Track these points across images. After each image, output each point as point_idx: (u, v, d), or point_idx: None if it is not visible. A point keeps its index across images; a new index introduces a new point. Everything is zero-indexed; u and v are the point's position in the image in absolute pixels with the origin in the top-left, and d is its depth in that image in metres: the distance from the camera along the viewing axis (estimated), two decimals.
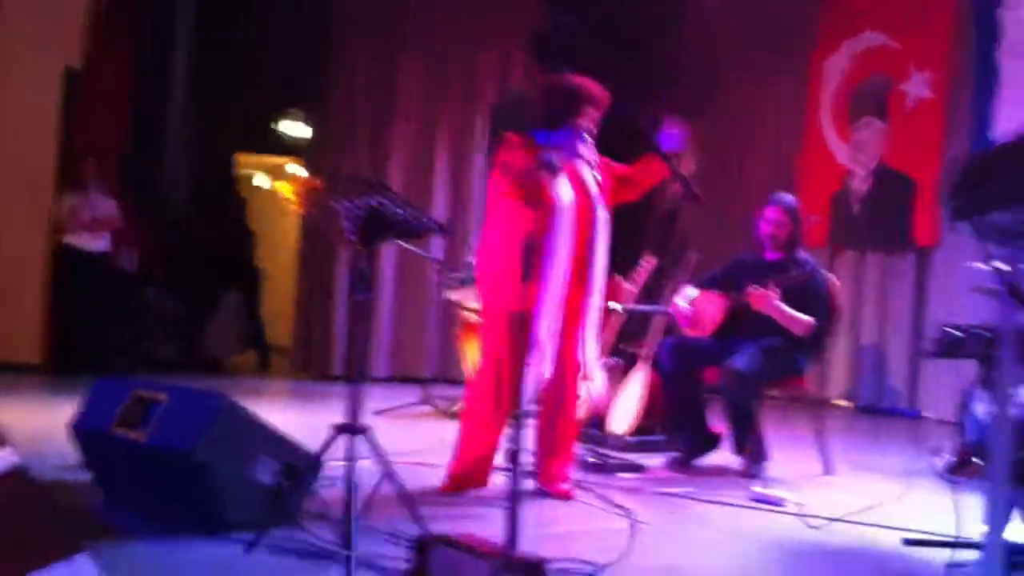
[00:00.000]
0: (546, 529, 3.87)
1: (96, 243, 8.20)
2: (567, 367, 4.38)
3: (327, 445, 3.40)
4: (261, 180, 10.01)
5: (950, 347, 5.13)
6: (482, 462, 4.32)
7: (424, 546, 2.78)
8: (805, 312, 5.05)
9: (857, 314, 8.58)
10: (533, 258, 4.16)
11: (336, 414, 6.46)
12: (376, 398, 7.48)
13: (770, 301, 4.99)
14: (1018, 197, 1.87)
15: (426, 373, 8.89)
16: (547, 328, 4.18)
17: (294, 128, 10.72)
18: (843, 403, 8.67)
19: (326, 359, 9.08)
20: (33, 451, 4.60)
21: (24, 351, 8.07)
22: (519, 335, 4.26)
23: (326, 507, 3.65)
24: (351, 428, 3.26)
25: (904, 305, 8.28)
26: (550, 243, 4.17)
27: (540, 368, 4.17)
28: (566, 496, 4.37)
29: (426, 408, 7.20)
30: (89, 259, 8.16)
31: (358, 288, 3.19)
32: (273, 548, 3.21)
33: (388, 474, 3.36)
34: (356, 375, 3.42)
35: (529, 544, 3.60)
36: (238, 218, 10.16)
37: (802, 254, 5.26)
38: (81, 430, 3.81)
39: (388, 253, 8.91)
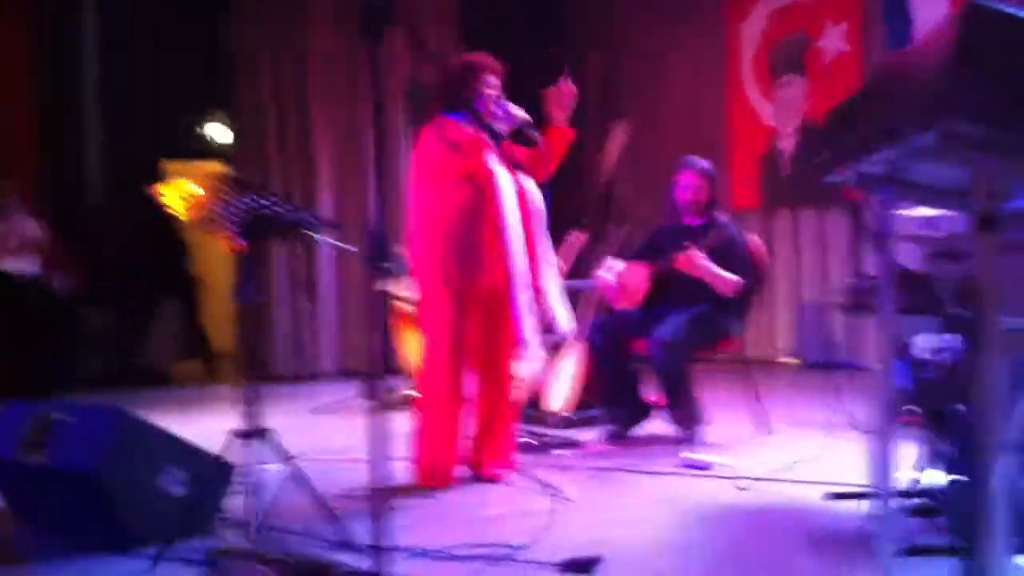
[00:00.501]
0: (470, 513, 3.84)
1: (26, 266, 8.05)
2: (502, 347, 4.34)
3: (226, 450, 3.34)
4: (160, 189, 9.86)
5: (857, 299, 5.13)
6: (446, 452, 4.23)
7: (214, 558, 2.78)
8: (731, 271, 5.04)
9: (797, 272, 8.61)
10: (483, 234, 4.14)
11: (279, 415, 6.43)
12: (323, 395, 7.45)
13: (697, 262, 4.97)
14: (875, 141, 1.83)
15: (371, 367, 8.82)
16: (526, 301, 4.19)
17: (217, 131, 10.58)
18: (790, 360, 8.69)
19: (271, 361, 9.01)
20: None
21: None
22: (480, 314, 4.23)
23: (241, 514, 3.59)
24: (250, 432, 3.19)
25: (841, 259, 8.31)
26: (500, 215, 4.16)
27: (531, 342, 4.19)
28: (495, 479, 4.34)
29: (368, 401, 7.13)
30: (21, 283, 8.01)
31: (245, 290, 3.14)
32: (183, 560, 3.16)
33: (295, 476, 3.30)
34: (251, 376, 3.35)
35: (451, 529, 3.61)
36: (169, 227, 10.01)
37: (721, 216, 5.25)
38: None
39: (321, 253, 8.85)
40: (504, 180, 4.18)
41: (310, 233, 3.46)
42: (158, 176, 10.48)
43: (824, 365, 8.07)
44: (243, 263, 3.23)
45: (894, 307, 2.25)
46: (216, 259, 10.12)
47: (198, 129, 11.03)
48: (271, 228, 3.16)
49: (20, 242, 7.96)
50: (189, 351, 10.03)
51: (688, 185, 5.23)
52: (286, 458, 3.33)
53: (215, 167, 10.34)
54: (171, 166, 10.21)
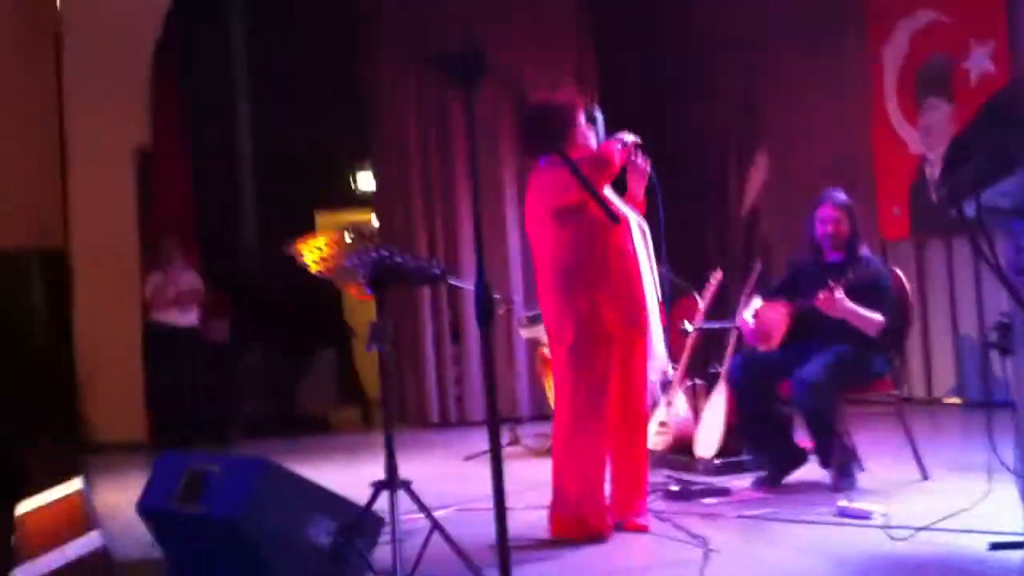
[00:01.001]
0: (614, 564, 3.79)
1: (184, 318, 8.41)
2: (635, 393, 4.30)
3: (371, 503, 3.38)
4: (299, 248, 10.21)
5: (1003, 337, 4.85)
6: (590, 502, 4.14)
7: None
8: (875, 310, 4.86)
9: (953, 305, 8.23)
10: (610, 271, 4.15)
11: (435, 460, 6.50)
12: (472, 442, 7.50)
13: (840, 303, 4.81)
14: (992, 173, 1.74)
15: (521, 412, 8.85)
16: (660, 343, 4.20)
17: (365, 180, 10.87)
18: (953, 400, 8.31)
19: (422, 407, 9.13)
20: (126, 530, 4.70)
21: (128, 430, 8.32)
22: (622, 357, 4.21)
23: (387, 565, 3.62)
24: (389, 484, 3.23)
25: (1000, 290, 7.90)
26: (631, 256, 4.16)
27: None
28: (642, 529, 4.27)
29: (517, 448, 7.16)
30: (178, 334, 8.36)
31: (376, 340, 3.19)
32: None
33: (436, 527, 3.32)
34: (390, 428, 3.39)
35: None
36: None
37: (864, 251, 5.07)
38: (146, 509, 3.87)
39: (469, 299, 8.92)
40: (633, 221, 4.18)
41: (434, 281, 3.50)
42: (310, 226, 10.85)
43: (987, 404, 7.68)
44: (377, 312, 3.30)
45: None
46: (368, 307, 10.35)
47: (348, 179, 11.38)
48: (395, 277, 3.21)
49: (178, 294, 8.32)
50: (345, 398, 10.28)
51: (827, 219, 5.08)
52: (427, 511, 3.34)
53: (363, 216, 10.61)
54: (322, 216, 10.54)
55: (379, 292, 3.26)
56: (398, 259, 3.13)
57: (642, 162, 4.40)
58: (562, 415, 4.20)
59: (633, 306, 4.20)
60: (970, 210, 2.11)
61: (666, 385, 6.15)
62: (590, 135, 4.31)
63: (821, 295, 4.82)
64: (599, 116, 4.52)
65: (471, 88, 2.18)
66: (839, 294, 4.78)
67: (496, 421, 2.16)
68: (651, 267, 4.34)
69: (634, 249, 4.23)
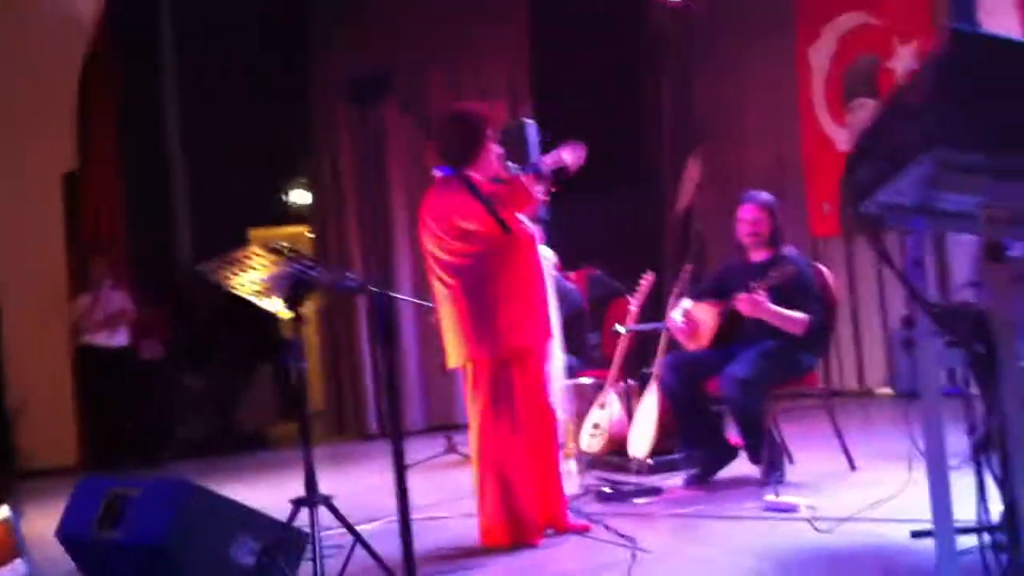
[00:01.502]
0: (547, 569, 3.79)
1: (114, 339, 8.28)
2: (543, 403, 4.31)
3: (291, 519, 3.35)
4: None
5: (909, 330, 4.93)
6: (515, 510, 4.13)
7: None
8: (798, 308, 4.92)
9: (883, 299, 8.35)
10: (519, 290, 4.14)
11: (372, 473, 6.45)
12: (411, 452, 7.45)
13: (759, 304, 4.87)
14: (885, 173, 1.77)
15: (460, 420, 8.81)
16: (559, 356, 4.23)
17: (300, 196, 10.81)
18: (885, 391, 8.43)
19: (360, 419, 9.09)
20: (51, 558, 4.61)
21: (60, 455, 8.17)
22: (535, 369, 4.22)
23: None
24: (308, 501, 3.20)
25: (929, 282, 8.03)
26: (536, 272, 4.17)
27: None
28: (583, 528, 4.31)
29: (453, 456, 7.14)
30: (109, 355, 8.24)
31: (293, 357, 3.17)
32: None
33: (358, 541, 3.29)
34: (308, 444, 3.36)
35: None
36: None
37: (788, 250, 5.13)
38: (65, 536, 3.81)
39: (406, 310, 8.89)
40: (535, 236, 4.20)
41: (352, 294, 3.48)
42: (244, 243, 10.72)
43: (915, 395, 7.78)
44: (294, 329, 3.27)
45: (934, 340, 2.16)
46: (306, 321, 10.27)
47: (282, 195, 11.30)
48: (310, 291, 3.18)
49: (106, 315, 8.20)
50: (284, 413, 10.19)
51: (746, 219, 5.13)
52: (349, 526, 3.32)
53: (298, 232, 10.54)
54: (255, 232, 10.44)
55: (294, 307, 3.22)
56: (313, 272, 3.10)
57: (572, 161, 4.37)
58: (480, 430, 4.18)
59: (540, 321, 4.22)
60: (869, 208, 2.14)
61: (595, 390, 6.20)
62: (497, 154, 4.27)
63: (740, 297, 4.87)
64: (531, 128, 4.50)
65: (367, 109, 2.17)
66: (759, 296, 4.84)
67: (399, 439, 2.16)
68: (550, 281, 4.36)
69: (538, 264, 4.24)
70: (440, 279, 4.22)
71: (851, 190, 2.08)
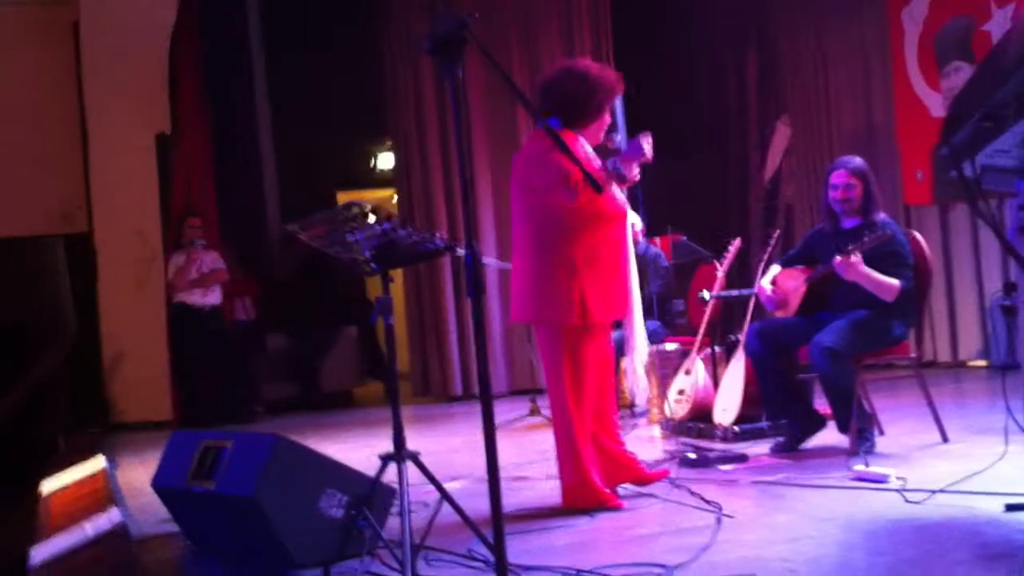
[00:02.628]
0: (626, 532, 3.79)
1: (207, 298, 8.45)
2: (607, 376, 4.34)
3: (379, 474, 3.39)
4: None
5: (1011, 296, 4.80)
6: (594, 473, 4.14)
7: None
8: (891, 275, 4.82)
9: (979, 270, 8.14)
10: (614, 264, 4.13)
11: (454, 435, 6.53)
12: (495, 414, 7.51)
13: (856, 267, 4.77)
14: (987, 132, 1.72)
15: (541, 383, 8.85)
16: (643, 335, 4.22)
17: (387, 160, 10.88)
18: (979, 363, 8.24)
19: (445, 381, 9.18)
20: (145, 508, 4.76)
21: (154, 409, 8.41)
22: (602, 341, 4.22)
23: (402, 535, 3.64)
24: (396, 456, 3.24)
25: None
26: (622, 245, 4.14)
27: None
28: (664, 474, 4.37)
29: (537, 418, 7.18)
30: (202, 314, 8.42)
31: (382, 313, 3.20)
32: None
33: (445, 497, 3.33)
34: (396, 400, 3.40)
35: (606, 549, 3.57)
36: None
37: (880, 216, 5.01)
38: (160, 487, 3.91)
39: (490, 274, 8.92)
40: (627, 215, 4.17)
41: (437, 255, 3.49)
42: (332, 206, 10.86)
43: (1010, 367, 7.60)
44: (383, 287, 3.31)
45: None
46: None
47: (369, 159, 11.40)
48: (397, 251, 3.20)
49: (201, 275, 8.37)
50: (370, 373, 10.34)
51: (838, 184, 5.02)
52: (435, 481, 3.35)
53: (385, 196, 10.63)
54: (342, 196, 10.56)
55: (383, 267, 3.25)
56: (400, 232, 3.11)
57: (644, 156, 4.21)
58: (556, 393, 4.17)
59: (617, 299, 4.17)
60: (968, 170, 2.09)
61: (679, 356, 6.17)
62: (606, 126, 4.23)
63: (838, 259, 4.77)
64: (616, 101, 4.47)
65: (453, 61, 2.16)
66: (856, 258, 4.74)
67: (488, 396, 2.16)
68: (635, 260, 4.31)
69: (625, 239, 4.19)
70: (523, 231, 4.18)
71: (951, 154, 2.02)
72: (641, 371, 4.43)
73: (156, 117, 8.59)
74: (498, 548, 2.06)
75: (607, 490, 4.15)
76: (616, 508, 4.09)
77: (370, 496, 3.46)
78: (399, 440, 3.25)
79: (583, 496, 4.10)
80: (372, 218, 3.00)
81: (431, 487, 3.40)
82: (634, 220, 4.42)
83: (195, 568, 3.77)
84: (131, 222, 8.60)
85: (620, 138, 4.35)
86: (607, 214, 4.08)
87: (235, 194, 9.31)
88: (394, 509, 3.69)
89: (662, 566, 3.18)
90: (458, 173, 8.87)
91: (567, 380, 4.10)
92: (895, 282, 4.81)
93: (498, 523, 2.13)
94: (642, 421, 6.58)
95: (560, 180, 3.93)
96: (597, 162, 4.11)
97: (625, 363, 4.68)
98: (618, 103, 4.39)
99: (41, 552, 4.00)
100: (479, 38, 2.15)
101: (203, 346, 8.36)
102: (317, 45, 9.89)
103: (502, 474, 4.87)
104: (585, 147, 4.10)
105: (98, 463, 5.86)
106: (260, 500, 3.36)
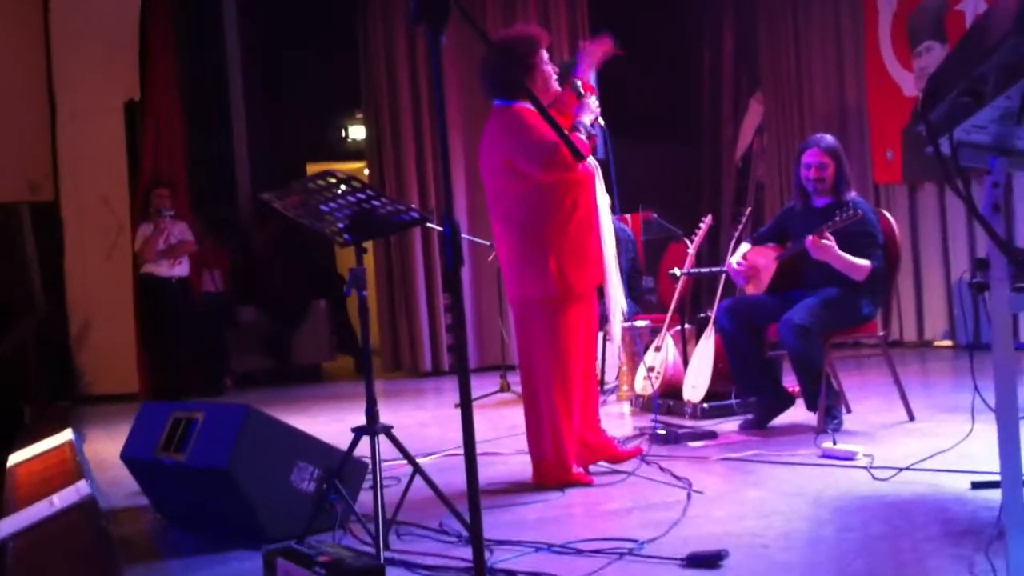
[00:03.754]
0: (596, 508, 3.81)
1: (175, 269, 8.38)
2: (590, 347, 4.36)
3: (351, 448, 3.39)
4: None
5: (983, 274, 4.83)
6: (567, 448, 4.14)
7: (271, 559, 2.82)
8: (862, 254, 4.85)
9: (946, 249, 8.21)
10: (585, 231, 4.12)
11: (423, 409, 6.53)
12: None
13: (827, 249, 4.80)
14: (965, 107, 1.73)
15: (512, 360, 8.85)
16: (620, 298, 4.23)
17: (359, 131, 10.82)
18: (945, 343, 8.32)
19: (415, 356, 9.17)
20: (114, 480, 4.73)
21: (121, 382, 8.35)
22: (584, 312, 4.21)
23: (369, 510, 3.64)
24: (370, 429, 3.23)
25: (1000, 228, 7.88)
26: (593, 211, 4.13)
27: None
28: (638, 452, 4.39)
29: (507, 395, 7.19)
30: (170, 286, 8.35)
31: (355, 285, 3.19)
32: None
33: (417, 471, 3.33)
34: (370, 373, 3.39)
35: (577, 524, 3.59)
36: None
37: (851, 195, 5.04)
38: (130, 458, 3.89)
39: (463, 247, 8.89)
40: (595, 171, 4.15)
41: (412, 226, 3.47)
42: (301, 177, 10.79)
43: (977, 347, 7.67)
44: (356, 258, 3.29)
45: (1010, 285, 2.12)
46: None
47: (340, 131, 11.33)
48: (372, 222, 3.17)
49: (168, 245, 8.30)
50: (340, 348, 10.32)
51: (811, 163, 5.04)
52: (408, 455, 3.35)
53: (356, 168, 10.57)
54: (313, 167, 10.49)
55: (357, 238, 3.23)
56: (375, 203, 3.09)
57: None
58: (531, 370, 4.16)
59: (594, 263, 4.16)
60: (946, 147, 2.10)
61: (649, 333, 6.19)
62: (553, 75, 4.17)
63: (810, 239, 4.80)
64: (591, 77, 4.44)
65: (436, 30, 2.14)
66: (828, 239, 4.77)
67: (465, 368, 2.14)
68: (608, 221, 4.29)
69: (596, 204, 4.17)
70: (497, 214, 4.18)
71: (928, 129, 2.03)
72: (619, 334, 4.45)
73: (125, 83, 8.49)
74: (475, 524, 2.06)
75: (578, 468, 4.16)
76: (587, 484, 4.11)
77: (342, 470, 3.46)
78: (372, 413, 3.24)
79: (553, 473, 4.11)
80: (346, 187, 2.98)
81: (402, 461, 3.40)
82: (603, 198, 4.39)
83: (165, 540, 3.75)
84: (98, 191, 8.52)
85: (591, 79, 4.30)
86: (578, 178, 4.08)
87: (205, 165, 9.23)
88: (366, 484, 3.69)
89: (633, 540, 3.20)
90: (437, 144, 8.93)
91: (549, 356, 4.09)
92: (865, 263, 4.85)
93: (474, 499, 2.12)
94: (611, 398, 6.61)
95: (541, 151, 3.93)
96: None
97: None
98: (592, 74, 4.36)
99: (8, 524, 3.98)
100: (463, 6, 2.13)
101: (171, 318, 8.30)
102: (291, 15, 9.80)
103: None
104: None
105: (65, 435, 5.82)
106: (233, 471, 3.34)
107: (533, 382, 4.15)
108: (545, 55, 4.15)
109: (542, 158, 3.93)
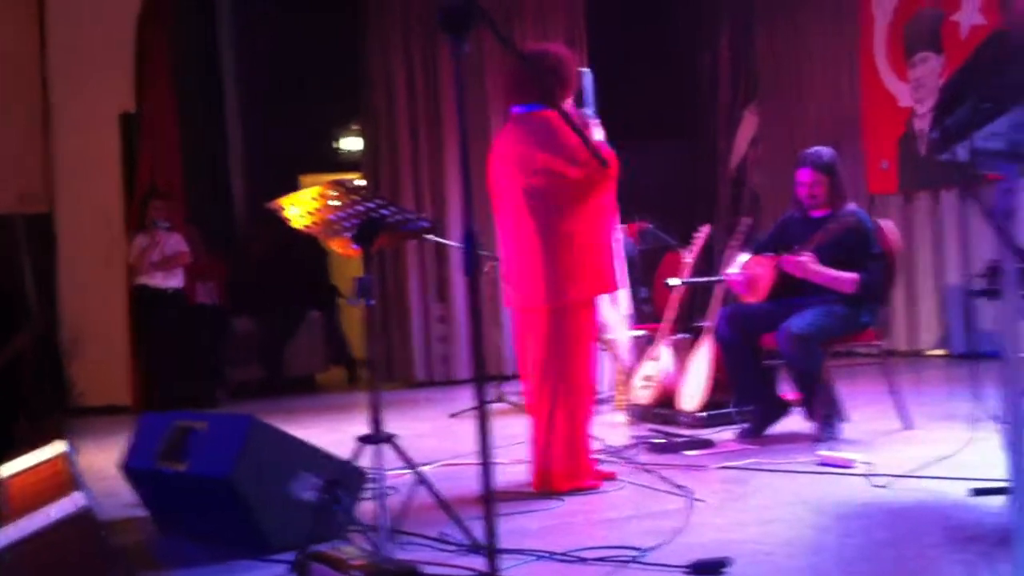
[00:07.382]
0: (598, 516, 3.81)
1: (169, 281, 8.36)
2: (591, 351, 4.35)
3: (355, 457, 3.38)
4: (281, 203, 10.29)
5: (993, 283, 4.88)
6: (568, 456, 4.15)
7: (302, 564, 2.82)
8: (853, 265, 4.87)
9: (940, 258, 8.24)
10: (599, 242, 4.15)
11: (420, 420, 6.53)
12: (459, 400, 7.52)
13: (804, 266, 4.84)
14: (985, 114, 1.74)
15: (507, 370, 8.86)
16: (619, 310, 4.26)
17: (352, 143, 10.83)
18: (937, 352, 8.35)
19: (408, 366, 9.16)
20: (109, 492, 4.70)
21: (113, 393, 8.32)
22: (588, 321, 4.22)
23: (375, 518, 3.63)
24: (374, 438, 3.23)
25: (988, 241, 7.92)
26: (608, 218, 4.17)
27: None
28: (611, 476, 4.34)
29: (503, 405, 7.18)
30: (164, 297, 8.32)
31: (362, 294, 3.19)
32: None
33: (421, 481, 3.33)
34: (374, 384, 3.39)
35: (578, 532, 3.59)
36: (309, 239, 10.29)
37: (849, 206, 5.06)
38: (130, 468, 3.88)
39: (455, 258, 8.89)
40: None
41: (421, 235, 3.47)
42: (295, 189, 10.78)
43: (971, 355, 7.72)
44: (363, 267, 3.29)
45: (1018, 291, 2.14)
46: (355, 268, 10.35)
47: (334, 142, 11.34)
48: (381, 231, 3.17)
49: (163, 256, 8.28)
50: (332, 359, 10.31)
51: (804, 182, 5.08)
52: (412, 464, 3.35)
53: (351, 179, 10.56)
54: (307, 179, 10.48)
55: (365, 246, 3.23)
56: (384, 212, 3.10)
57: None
58: (560, 374, 4.13)
59: (607, 270, 4.18)
60: (963, 153, 2.11)
61: (645, 343, 6.20)
62: (571, 102, 4.27)
63: (785, 258, 4.83)
64: (587, 77, 4.50)
65: (461, 37, 2.15)
66: (804, 257, 4.81)
67: (482, 371, 2.15)
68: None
69: (612, 211, 4.24)
70: (511, 219, 4.18)
71: (943, 134, 2.05)
72: (623, 336, 4.48)
73: (121, 94, 8.47)
74: (490, 535, 2.06)
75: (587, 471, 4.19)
76: (590, 489, 4.13)
77: (343, 479, 3.45)
78: (377, 422, 3.24)
79: (557, 479, 4.12)
80: (357, 196, 2.98)
81: (400, 471, 3.40)
82: None
83: (165, 551, 3.73)
84: (94, 202, 8.48)
85: (591, 111, 4.39)
86: (609, 183, 4.13)
87: (200, 176, 9.22)
88: (367, 493, 3.69)
89: (636, 549, 3.20)
90: (459, 153, 8.93)
91: (580, 359, 4.13)
92: (850, 275, 4.88)
93: (490, 511, 2.12)
94: (607, 407, 6.61)
95: (579, 159, 3.99)
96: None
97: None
98: (588, 80, 4.43)
99: (2, 536, 3.95)
100: (488, 15, 2.14)
101: (164, 329, 8.27)
102: (286, 27, 9.82)
103: (470, 460, 4.92)
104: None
105: (58, 447, 5.78)
106: (237, 481, 3.34)
107: (554, 387, 4.12)
108: (575, 83, 4.26)
109: (581, 158, 3.99)
